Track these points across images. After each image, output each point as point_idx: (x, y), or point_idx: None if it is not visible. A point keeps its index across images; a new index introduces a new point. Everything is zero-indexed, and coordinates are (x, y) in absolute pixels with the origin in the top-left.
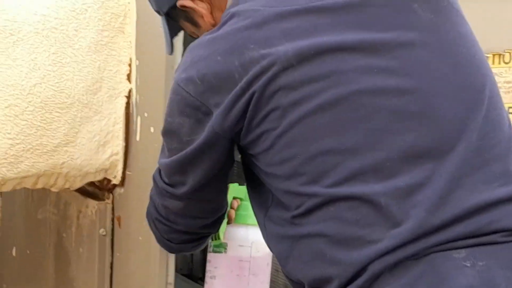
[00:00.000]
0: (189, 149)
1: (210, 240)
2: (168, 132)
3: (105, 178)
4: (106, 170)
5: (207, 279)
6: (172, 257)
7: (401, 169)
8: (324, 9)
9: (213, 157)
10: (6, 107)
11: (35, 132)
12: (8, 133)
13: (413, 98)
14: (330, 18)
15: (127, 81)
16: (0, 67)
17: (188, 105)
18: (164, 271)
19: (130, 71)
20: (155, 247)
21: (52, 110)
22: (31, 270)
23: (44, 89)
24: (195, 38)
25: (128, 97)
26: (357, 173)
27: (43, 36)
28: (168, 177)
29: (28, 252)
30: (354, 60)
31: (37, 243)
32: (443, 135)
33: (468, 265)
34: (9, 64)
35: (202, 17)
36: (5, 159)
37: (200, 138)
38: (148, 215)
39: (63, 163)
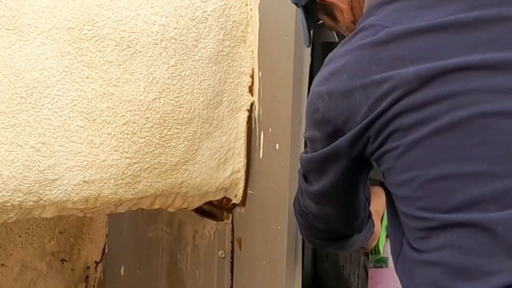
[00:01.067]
0: (318, 153)
1: (370, 255)
2: (306, 138)
3: (224, 197)
4: (226, 189)
5: None
6: (299, 281)
7: None
8: (452, 25)
9: (339, 167)
10: (124, 124)
11: (153, 150)
12: (126, 152)
13: None
14: (457, 35)
15: (249, 94)
16: (118, 82)
17: (318, 119)
18: None
19: (253, 83)
20: (281, 272)
21: (171, 126)
22: None
23: (163, 104)
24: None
25: (250, 111)
26: (476, 200)
27: (161, 47)
28: (305, 172)
29: (138, 272)
30: (480, 79)
31: (147, 263)
32: None
33: None
34: (127, 78)
35: (342, 12)
36: (122, 179)
37: (325, 149)
38: (294, 207)
39: (182, 182)
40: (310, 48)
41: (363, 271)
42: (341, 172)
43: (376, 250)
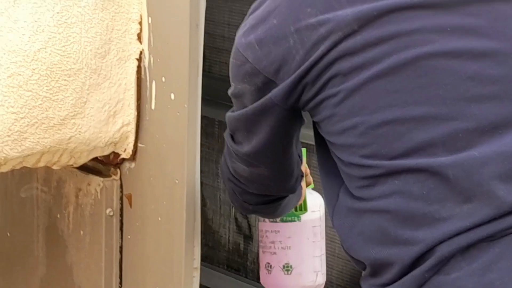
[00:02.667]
0: (248, 109)
1: (296, 212)
2: (233, 95)
3: (112, 152)
4: (115, 144)
5: (277, 250)
6: (198, 238)
7: (475, 141)
8: None
9: (272, 122)
10: (8, 77)
11: (40, 104)
12: (12, 107)
13: (493, 61)
14: None
15: (137, 42)
16: (0, 31)
17: (247, 72)
18: (190, 254)
19: (141, 30)
20: (179, 228)
21: (58, 78)
22: (14, 256)
23: (50, 54)
24: None
25: (140, 60)
26: (425, 145)
27: None
28: (233, 132)
29: (8, 234)
30: (423, 18)
31: (20, 224)
32: None
33: None
34: (10, 26)
35: None
36: (9, 136)
37: (257, 103)
38: (222, 173)
39: (70, 137)
40: None
41: (234, 223)
42: (274, 128)
43: (303, 207)
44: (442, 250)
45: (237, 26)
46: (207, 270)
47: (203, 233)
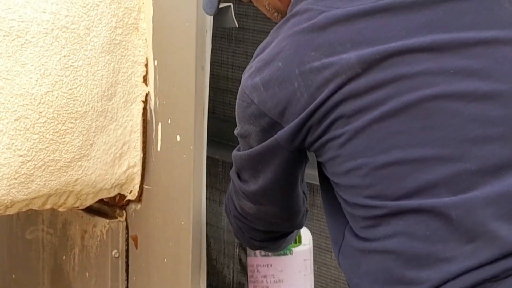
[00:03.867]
0: (254, 149)
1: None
2: (239, 135)
3: (118, 194)
4: (121, 185)
5: (269, 284)
6: (204, 279)
7: (478, 182)
8: (392, 7)
9: (278, 162)
10: (16, 120)
11: (47, 147)
12: (19, 149)
13: (496, 102)
14: (398, 17)
15: (143, 84)
16: (8, 74)
17: (253, 113)
18: None
19: (147, 72)
20: (186, 270)
21: (65, 120)
22: None
23: (57, 97)
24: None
25: (145, 102)
26: (428, 186)
27: (53, 36)
28: (239, 171)
29: (13, 276)
30: (425, 61)
31: (25, 266)
32: None
33: None
34: (18, 70)
35: None
36: (15, 178)
37: (263, 144)
38: (227, 210)
39: (76, 179)
40: (211, 35)
41: (238, 264)
42: (280, 168)
43: (297, 240)
44: None
45: (240, 67)
46: None
47: (207, 273)
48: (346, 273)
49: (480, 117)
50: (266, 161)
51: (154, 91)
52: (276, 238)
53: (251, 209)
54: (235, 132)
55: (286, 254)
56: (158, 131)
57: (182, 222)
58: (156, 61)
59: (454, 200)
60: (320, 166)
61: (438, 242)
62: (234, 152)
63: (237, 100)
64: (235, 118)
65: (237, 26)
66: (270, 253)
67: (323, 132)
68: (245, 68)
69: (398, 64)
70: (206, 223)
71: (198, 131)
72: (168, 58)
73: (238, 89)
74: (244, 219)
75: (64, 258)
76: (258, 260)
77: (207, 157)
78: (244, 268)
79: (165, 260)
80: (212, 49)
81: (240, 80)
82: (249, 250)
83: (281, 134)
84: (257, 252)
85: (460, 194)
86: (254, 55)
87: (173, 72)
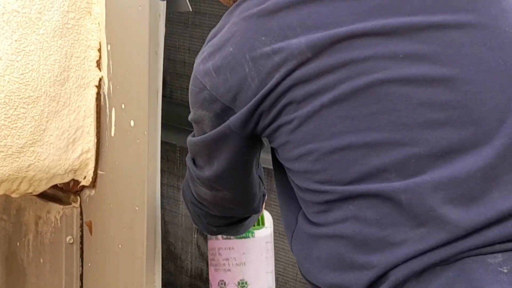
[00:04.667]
0: (208, 135)
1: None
2: (193, 121)
3: (72, 180)
4: (75, 171)
5: (231, 267)
6: (159, 265)
7: (428, 166)
8: None
9: (231, 148)
10: None
11: None
12: None
13: (445, 87)
14: (349, 2)
15: (97, 69)
16: None
17: (205, 99)
18: (151, 282)
19: (100, 57)
20: (140, 255)
21: (17, 106)
22: None
23: (8, 82)
24: None
25: (99, 87)
26: (378, 171)
27: (3, 21)
28: (194, 156)
29: None
30: (375, 45)
31: None
32: (479, 128)
33: (505, 271)
34: None
35: None
36: None
37: (216, 130)
38: (185, 197)
39: (29, 165)
40: (164, 19)
41: (196, 249)
42: (234, 153)
43: (260, 222)
44: (396, 275)
45: (197, 52)
46: None
47: (165, 259)
48: (298, 259)
49: (429, 101)
50: (220, 147)
51: (107, 76)
52: (234, 223)
53: (207, 195)
54: (189, 117)
55: (248, 237)
56: (112, 116)
57: (137, 208)
58: (109, 45)
59: (404, 184)
60: (273, 151)
61: (389, 227)
62: (189, 138)
63: (190, 86)
64: None
65: (190, 10)
66: (232, 236)
67: (274, 117)
68: None
69: (348, 49)
70: (164, 209)
71: (152, 116)
72: (121, 42)
73: None
74: (201, 205)
75: (18, 244)
76: (219, 243)
77: (165, 142)
78: (202, 253)
79: (119, 246)
80: (168, 33)
81: None
82: (209, 236)
83: (233, 119)
84: (219, 235)
85: (410, 178)
86: (206, 40)
87: (127, 57)
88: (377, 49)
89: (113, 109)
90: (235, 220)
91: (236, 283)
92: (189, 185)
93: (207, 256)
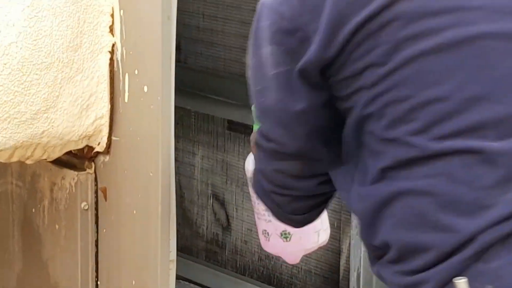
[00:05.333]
0: (276, 95)
1: None
2: (254, 70)
3: (86, 146)
4: (89, 137)
5: (272, 218)
6: (174, 230)
7: None
8: None
9: (305, 102)
10: None
11: (12, 99)
12: None
13: None
14: None
15: (110, 34)
16: None
17: (279, 30)
18: (166, 247)
19: (113, 22)
20: (155, 221)
21: (30, 72)
22: None
23: (21, 48)
24: None
25: (112, 52)
26: (476, 127)
27: None
28: (267, 133)
29: None
30: None
31: None
32: None
33: None
34: None
35: None
36: None
37: (285, 87)
38: (260, 191)
39: (43, 132)
40: None
41: (212, 214)
42: (311, 110)
43: None
44: (484, 239)
45: (211, 16)
46: (185, 261)
47: (180, 224)
48: (361, 217)
49: None
50: (296, 99)
51: (120, 42)
52: (317, 206)
53: (292, 166)
54: (248, 74)
55: None
56: (125, 82)
57: (151, 174)
58: (122, 11)
59: (501, 145)
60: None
61: (480, 189)
62: (255, 108)
63: (254, 26)
64: (206, 68)
65: None
66: None
67: (364, 54)
68: (216, 17)
69: None
70: (179, 174)
71: (165, 82)
72: (134, 7)
73: (209, 39)
74: (283, 189)
75: (33, 211)
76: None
77: (179, 108)
78: (217, 219)
79: (134, 212)
80: None
81: (211, 30)
82: (249, 181)
83: (315, 50)
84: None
85: (507, 139)
86: None
87: (139, 22)
88: (486, 1)
89: (127, 75)
90: (319, 201)
91: (279, 234)
92: (265, 174)
93: (223, 222)
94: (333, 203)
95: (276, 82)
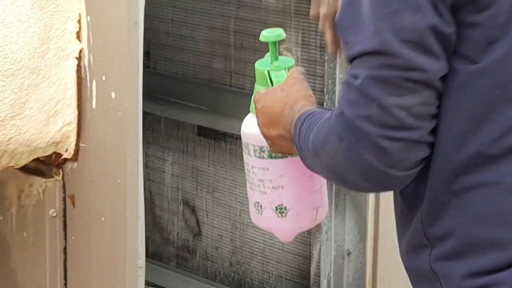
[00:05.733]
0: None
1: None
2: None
3: (53, 153)
4: (57, 144)
5: (267, 190)
6: (142, 237)
7: None
8: None
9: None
10: None
11: None
12: None
13: None
14: None
15: (77, 40)
16: None
17: None
18: (134, 253)
19: (80, 28)
20: (123, 227)
21: None
22: None
23: None
24: None
25: (79, 58)
26: None
27: None
28: (410, 59)
29: None
30: None
31: None
32: None
33: None
34: None
35: None
36: None
37: None
38: (352, 142)
39: (10, 138)
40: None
41: (182, 221)
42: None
43: None
44: None
45: (181, 22)
46: (156, 267)
47: (151, 230)
48: (428, 211)
49: None
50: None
51: (87, 48)
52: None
53: (425, 98)
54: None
55: (286, 157)
56: (93, 88)
57: (119, 180)
58: (89, 16)
59: None
60: None
61: None
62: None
63: None
64: (175, 73)
65: None
66: (265, 155)
67: None
68: (185, 23)
69: None
70: (150, 180)
71: (133, 88)
72: (100, 13)
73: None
74: (399, 129)
75: (1, 218)
76: (253, 161)
77: (149, 114)
78: (188, 224)
79: (102, 218)
80: (151, 3)
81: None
82: (244, 147)
83: None
84: (251, 150)
85: None
86: None
87: (106, 28)
88: None
89: (94, 81)
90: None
91: (274, 208)
92: (372, 117)
93: (194, 228)
94: None
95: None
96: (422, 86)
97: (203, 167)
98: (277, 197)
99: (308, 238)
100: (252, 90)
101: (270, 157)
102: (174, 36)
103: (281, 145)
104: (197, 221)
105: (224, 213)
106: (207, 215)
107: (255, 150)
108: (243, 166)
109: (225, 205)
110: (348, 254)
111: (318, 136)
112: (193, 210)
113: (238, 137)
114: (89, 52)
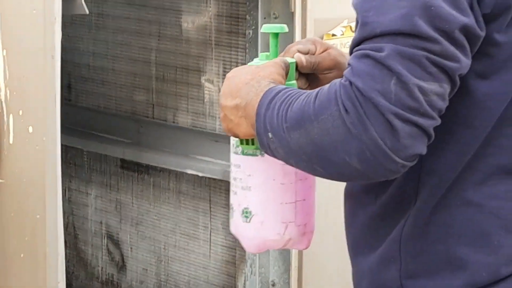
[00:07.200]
0: None
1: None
2: None
3: None
4: None
5: (237, 190)
6: (62, 273)
7: None
8: None
9: None
10: None
11: None
12: None
13: None
14: None
15: None
16: None
17: None
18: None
19: None
20: (42, 264)
21: None
22: None
23: None
24: None
25: None
26: None
27: None
28: (442, 48)
29: None
30: None
31: None
32: None
33: None
34: None
35: None
36: None
37: None
38: (366, 115)
39: None
40: (60, 22)
41: (107, 255)
42: None
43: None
44: None
45: (101, 55)
46: None
47: (75, 265)
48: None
49: None
50: None
51: (4, 82)
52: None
53: (447, 91)
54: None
55: (255, 155)
56: (10, 123)
57: (38, 216)
58: (5, 50)
59: None
60: None
61: None
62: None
63: None
64: (97, 106)
65: (87, 12)
66: (239, 151)
67: None
68: (106, 55)
69: None
70: (73, 215)
71: (50, 122)
72: (17, 47)
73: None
74: (424, 112)
75: None
76: (231, 157)
77: (71, 147)
78: (112, 259)
79: (21, 255)
80: (72, 37)
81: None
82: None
83: None
84: (231, 146)
85: None
86: None
87: (23, 62)
88: None
89: (11, 116)
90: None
91: (241, 211)
92: (389, 95)
93: (118, 261)
94: (228, 240)
95: None
96: (446, 76)
97: (127, 201)
98: (244, 199)
99: (233, 270)
100: (174, 122)
101: (243, 153)
102: (95, 69)
103: (230, 118)
104: (122, 255)
105: (148, 247)
106: (131, 249)
107: (232, 145)
108: (167, 199)
109: (150, 238)
110: (273, 285)
111: (305, 106)
112: (117, 244)
113: (162, 170)
114: (5, 87)
